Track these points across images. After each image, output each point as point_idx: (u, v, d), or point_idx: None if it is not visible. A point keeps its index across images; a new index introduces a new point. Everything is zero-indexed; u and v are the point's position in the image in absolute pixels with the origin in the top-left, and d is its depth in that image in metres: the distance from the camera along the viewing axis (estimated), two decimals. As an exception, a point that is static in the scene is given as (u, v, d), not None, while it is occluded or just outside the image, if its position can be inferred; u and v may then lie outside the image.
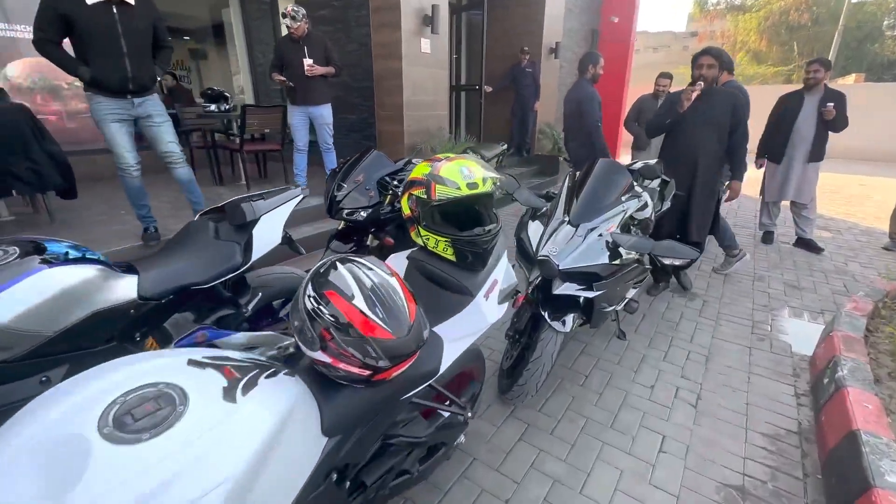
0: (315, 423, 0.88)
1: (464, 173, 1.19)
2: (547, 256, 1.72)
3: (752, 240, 4.45)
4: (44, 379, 1.22)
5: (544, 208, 1.98)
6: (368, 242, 2.77)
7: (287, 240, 1.91)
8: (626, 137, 6.54)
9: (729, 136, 2.76)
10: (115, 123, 2.71)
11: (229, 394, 0.72)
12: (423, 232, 1.24)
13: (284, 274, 1.98)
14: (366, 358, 0.86)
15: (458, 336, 1.23)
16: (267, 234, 1.71)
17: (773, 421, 1.95)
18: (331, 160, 4.20)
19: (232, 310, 1.72)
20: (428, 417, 1.36)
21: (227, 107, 4.60)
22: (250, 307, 1.72)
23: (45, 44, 2.47)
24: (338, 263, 0.94)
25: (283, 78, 3.82)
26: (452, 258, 1.25)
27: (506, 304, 1.38)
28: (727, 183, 2.99)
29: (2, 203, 3.28)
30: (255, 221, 1.68)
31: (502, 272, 1.37)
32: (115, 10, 2.55)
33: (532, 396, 1.97)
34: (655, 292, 3.16)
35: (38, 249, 1.25)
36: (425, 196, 1.19)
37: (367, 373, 0.89)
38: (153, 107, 2.79)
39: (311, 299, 0.88)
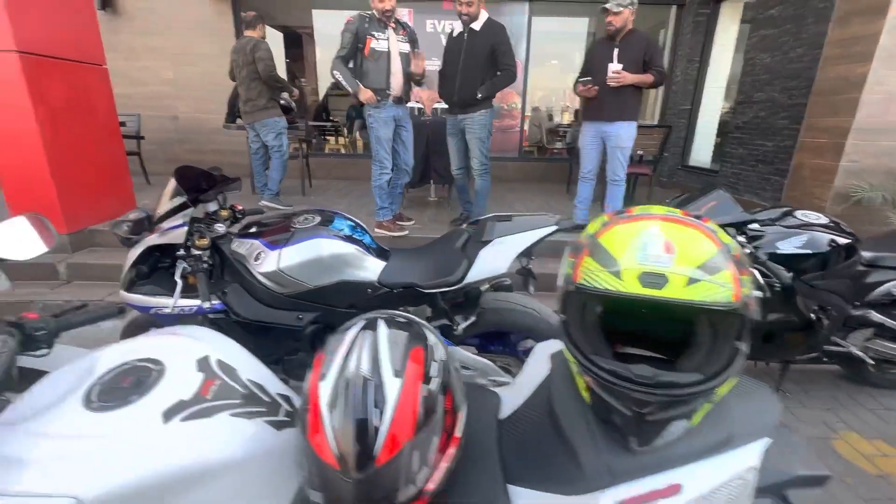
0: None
1: (648, 249, 0.55)
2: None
3: None
4: (300, 317, 1.62)
5: None
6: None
7: (524, 272, 1.67)
8: None
9: None
10: (449, 136, 3.31)
11: (173, 411, 0.66)
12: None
13: (524, 308, 1.75)
14: (305, 460, 0.60)
15: None
16: (493, 259, 1.54)
17: None
18: (615, 196, 3.27)
19: (447, 322, 1.70)
20: None
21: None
22: (461, 327, 1.64)
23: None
24: (378, 321, 0.68)
25: (587, 81, 3.00)
26: (587, 399, 0.65)
27: None
28: None
29: (432, 187, 4.68)
30: (487, 242, 1.55)
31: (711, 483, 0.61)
32: (465, 36, 3.06)
33: None
34: None
35: (328, 221, 1.64)
36: (570, 272, 0.65)
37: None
38: (470, 123, 3.15)
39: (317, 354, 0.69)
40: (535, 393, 0.80)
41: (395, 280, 1.61)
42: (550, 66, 7.08)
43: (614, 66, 2.90)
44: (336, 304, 1.63)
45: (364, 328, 0.66)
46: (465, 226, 1.82)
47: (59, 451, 0.62)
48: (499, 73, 3.09)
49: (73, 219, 3.13)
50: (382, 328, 0.66)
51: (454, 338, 1.73)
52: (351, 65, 3.07)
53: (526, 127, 6.34)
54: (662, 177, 5.14)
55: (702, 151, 5.57)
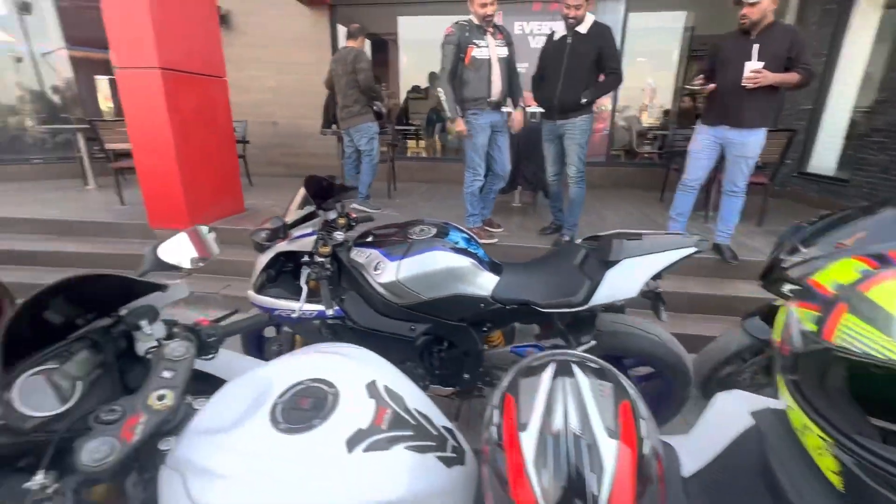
0: None
1: None
2: None
3: None
4: (412, 328, 1.62)
5: None
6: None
7: (652, 295, 1.53)
8: None
9: None
10: (545, 142, 3.24)
11: (355, 440, 0.66)
12: (783, 390, 0.60)
13: (644, 333, 1.62)
14: None
15: None
16: (622, 281, 1.43)
17: None
18: (732, 209, 2.88)
19: (564, 344, 1.61)
20: None
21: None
22: (579, 350, 1.54)
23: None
24: (573, 366, 0.63)
25: (700, 82, 2.77)
26: (837, 484, 0.53)
27: None
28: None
29: (517, 194, 4.59)
30: (614, 262, 1.44)
31: None
32: (568, 39, 2.92)
33: None
34: None
35: (443, 234, 1.62)
36: (815, 328, 0.54)
37: None
38: (570, 128, 3.02)
39: (499, 391, 0.65)
40: (727, 452, 0.70)
41: (509, 296, 1.56)
42: (644, 65, 6.67)
43: (754, 65, 2.51)
44: (447, 317, 1.61)
45: (559, 373, 0.61)
46: (579, 241, 1.72)
47: (253, 470, 0.63)
48: (604, 76, 2.94)
49: (195, 217, 3.46)
50: (582, 376, 0.60)
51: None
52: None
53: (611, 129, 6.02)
54: (775, 185, 4.60)
55: (825, 157, 4.90)
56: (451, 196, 5.09)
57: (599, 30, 2.89)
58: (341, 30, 5.96)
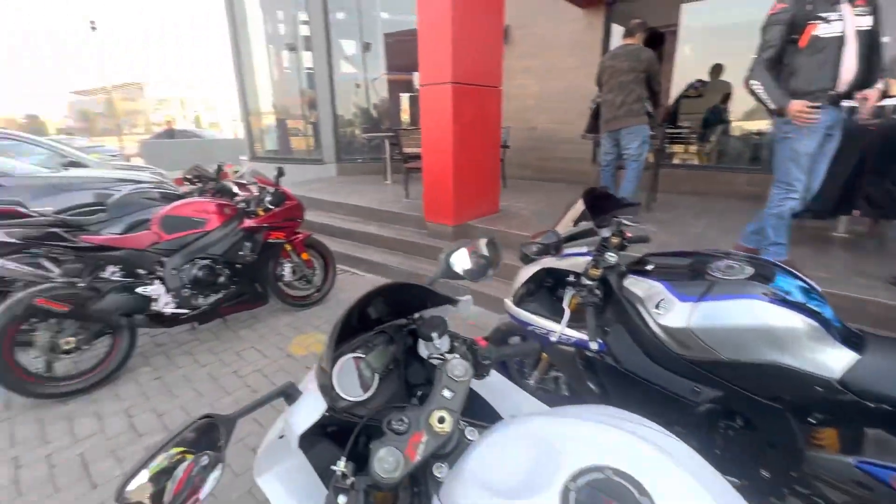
0: None
1: None
2: None
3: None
4: (696, 389, 1.26)
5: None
6: None
7: None
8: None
9: None
10: None
11: None
12: None
13: None
14: None
15: None
16: None
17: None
18: None
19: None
20: None
21: None
22: None
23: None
24: None
25: None
26: None
27: None
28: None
29: (843, 220, 3.30)
30: None
31: None
32: None
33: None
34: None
35: (765, 276, 1.19)
36: None
37: None
38: None
39: None
40: None
41: (876, 389, 1.01)
42: None
43: None
44: (753, 391, 1.18)
45: None
46: None
47: None
48: None
49: (459, 214, 3.86)
50: None
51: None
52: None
53: None
54: None
55: None
56: (731, 214, 4.11)
57: None
58: (615, 29, 5.60)
